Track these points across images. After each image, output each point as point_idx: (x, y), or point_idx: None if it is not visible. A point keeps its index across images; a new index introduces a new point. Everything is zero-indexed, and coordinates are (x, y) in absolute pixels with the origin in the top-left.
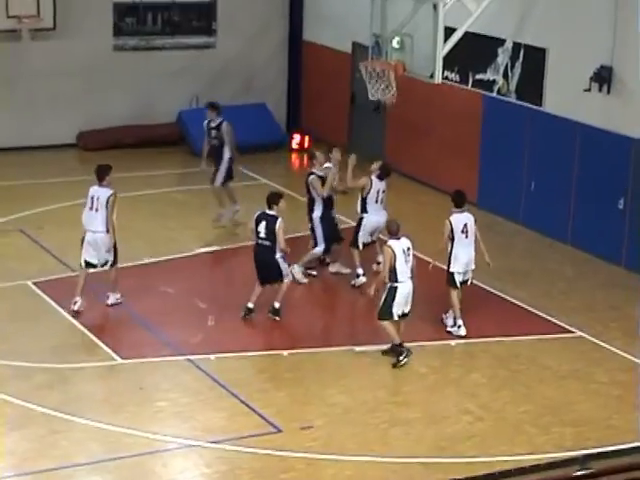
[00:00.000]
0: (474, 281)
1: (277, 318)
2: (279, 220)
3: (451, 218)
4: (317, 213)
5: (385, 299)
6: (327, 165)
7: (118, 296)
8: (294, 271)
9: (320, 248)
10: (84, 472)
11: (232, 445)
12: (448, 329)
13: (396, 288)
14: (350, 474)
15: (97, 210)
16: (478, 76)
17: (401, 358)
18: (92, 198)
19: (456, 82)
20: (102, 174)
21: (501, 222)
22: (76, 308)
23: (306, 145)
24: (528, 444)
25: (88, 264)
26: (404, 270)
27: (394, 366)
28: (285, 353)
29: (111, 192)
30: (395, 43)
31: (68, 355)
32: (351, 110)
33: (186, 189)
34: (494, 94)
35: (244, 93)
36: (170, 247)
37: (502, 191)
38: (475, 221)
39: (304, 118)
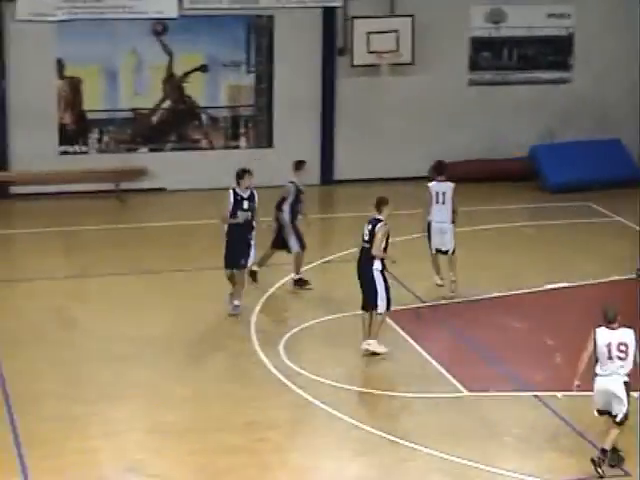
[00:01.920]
0: None
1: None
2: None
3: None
4: None
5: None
6: None
7: None
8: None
9: None
10: None
11: None
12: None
13: None
14: None
15: (444, 203)
16: None
17: None
18: (437, 194)
19: None
20: (441, 169)
21: None
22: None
23: None
24: None
25: (438, 250)
26: None
27: None
28: (636, 395)
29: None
30: None
31: (415, 384)
32: None
33: (535, 224)
34: None
35: (599, 129)
36: (516, 282)
37: None
38: None
39: None
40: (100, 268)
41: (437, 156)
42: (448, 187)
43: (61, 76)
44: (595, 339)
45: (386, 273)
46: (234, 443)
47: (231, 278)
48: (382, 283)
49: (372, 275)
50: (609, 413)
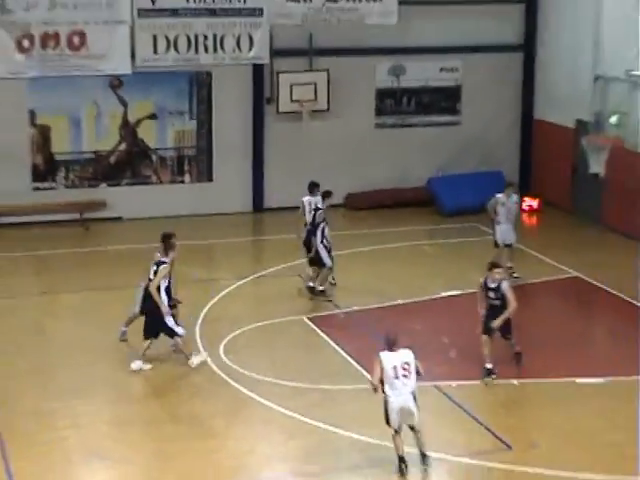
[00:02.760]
0: None
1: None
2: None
3: None
4: None
5: None
6: None
7: None
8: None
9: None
10: (348, 475)
11: (470, 459)
12: None
13: None
14: None
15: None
16: None
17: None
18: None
19: None
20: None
21: None
22: None
23: (535, 207)
24: None
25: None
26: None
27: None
28: (515, 382)
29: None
30: (614, 120)
31: (336, 379)
32: (574, 177)
33: (433, 242)
34: None
35: (483, 163)
36: (418, 291)
37: None
38: None
39: (534, 184)
40: (68, 286)
41: (350, 187)
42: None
43: (33, 124)
44: (381, 363)
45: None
46: (182, 432)
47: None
48: None
49: None
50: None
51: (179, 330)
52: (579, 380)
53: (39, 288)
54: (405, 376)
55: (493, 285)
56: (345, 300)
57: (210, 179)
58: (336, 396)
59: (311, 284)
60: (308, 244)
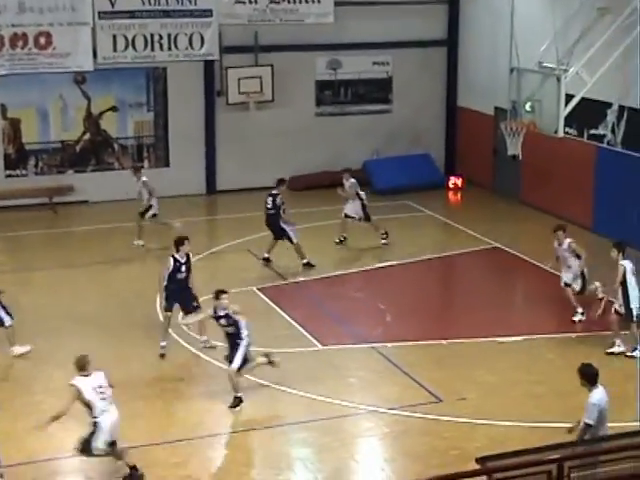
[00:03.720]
0: None
1: None
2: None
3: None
4: None
5: None
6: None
7: None
8: None
9: None
10: (294, 429)
11: (405, 411)
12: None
13: None
14: (495, 434)
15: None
16: (592, 131)
17: None
18: None
19: (575, 136)
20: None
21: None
22: None
23: (459, 185)
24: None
25: None
26: None
27: None
28: (444, 342)
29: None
30: (527, 107)
31: (283, 342)
32: (494, 159)
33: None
34: (604, 145)
35: (413, 146)
36: (352, 264)
37: (614, 219)
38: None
39: (458, 164)
40: (39, 263)
41: (293, 170)
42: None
43: (4, 117)
44: (79, 391)
45: None
46: (148, 393)
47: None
48: None
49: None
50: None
51: (6, 319)
52: (500, 339)
53: (12, 266)
54: (104, 398)
55: (222, 312)
56: (291, 272)
57: (167, 164)
58: (283, 358)
59: (266, 255)
60: (270, 226)
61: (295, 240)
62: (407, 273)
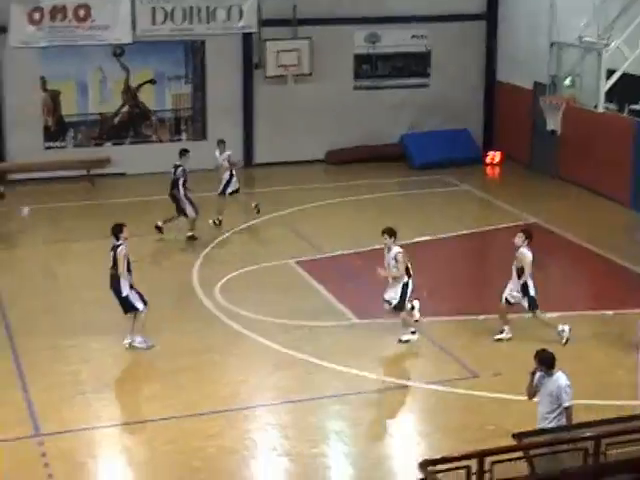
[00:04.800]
0: None
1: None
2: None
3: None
4: None
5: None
6: None
7: None
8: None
9: None
10: (329, 402)
11: (440, 386)
12: None
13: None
14: (531, 410)
15: None
16: (632, 106)
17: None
18: None
19: (615, 111)
20: None
21: None
22: None
23: (497, 160)
24: None
25: None
26: None
27: None
28: (481, 317)
29: None
30: (567, 82)
31: (319, 316)
32: (532, 134)
33: (405, 193)
34: None
35: (450, 121)
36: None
37: None
38: None
39: (496, 140)
40: (77, 235)
41: (330, 144)
42: None
43: (44, 89)
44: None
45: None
46: (183, 364)
47: None
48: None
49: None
50: None
51: (140, 306)
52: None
53: (50, 237)
54: None
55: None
56: (327, 246)
57: (205, 137)
58: (319, 332)
59: (189, 233)
60: (173, 198)
61: (192, 215)
62: (444, 248)
